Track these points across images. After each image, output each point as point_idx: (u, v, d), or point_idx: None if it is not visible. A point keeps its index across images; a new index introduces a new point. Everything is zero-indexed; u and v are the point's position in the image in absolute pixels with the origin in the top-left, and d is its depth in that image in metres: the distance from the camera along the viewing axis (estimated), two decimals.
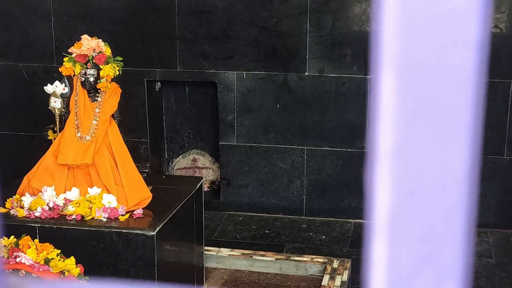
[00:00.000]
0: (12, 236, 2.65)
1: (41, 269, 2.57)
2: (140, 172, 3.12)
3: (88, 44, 2.94)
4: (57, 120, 3.07)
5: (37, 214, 2.91)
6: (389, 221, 0.46)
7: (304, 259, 3.82)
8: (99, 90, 3.02)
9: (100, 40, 3.00)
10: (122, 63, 3.03)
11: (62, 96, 3.05)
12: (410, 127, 0.45)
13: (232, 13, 4.49)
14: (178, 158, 5.07)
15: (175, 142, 5.05)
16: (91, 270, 2.79)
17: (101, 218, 2.91)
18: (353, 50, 4.42)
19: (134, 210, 2.97)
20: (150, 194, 3.06)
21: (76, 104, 3.01)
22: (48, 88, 3.06)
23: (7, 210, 2.98)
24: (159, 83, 4.83)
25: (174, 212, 3.05)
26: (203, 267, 3.59)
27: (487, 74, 0.47)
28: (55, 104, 3.04)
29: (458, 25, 0.43)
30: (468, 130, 0.45)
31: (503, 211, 4.34)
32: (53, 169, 3.00)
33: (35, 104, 4.68)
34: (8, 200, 3.00)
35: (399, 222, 0.46)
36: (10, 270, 2.51)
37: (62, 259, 2.64)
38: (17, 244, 2.63)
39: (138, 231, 2.85)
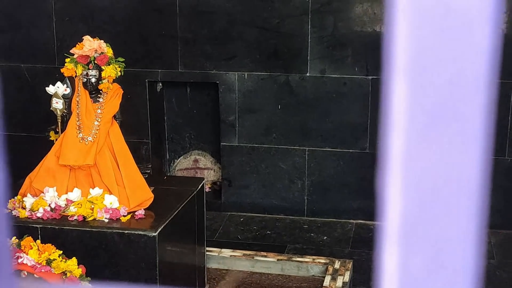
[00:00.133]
0: (14, 237, 2.65)
1: (43, 270, 2.58)
2: (142, 173, 3.12)
3: (90, 45, 2.94)
4: (59, 121, 3.07)
5: (39, 215, 2.91)
6: (401, 226, 0.46)
7: (306, 259, 3.82)
8: (100, 91, 3.02)
9: (102, 41, 3.00)
10: (123, 64, 3.03)
11: (64, 97, 3.06)
12: (422, 130, 0.45)
13: (233, 14, 4.49)
14: (179, 159, 5.07)
15: (177, 142, 5.05)
16: (92, 271, 2.79)
17: (103, 219, 2.91)
18: (355, 50, 4.42)
19: (135, 211, 2.97)
20: (152, 195, 3.06)
21: (78, 105, 3.01)
22: (50, 89, 3.06)
23: (9, 210, 2.98)
24: (160, 84, 4.83)
25: (175, 213, 3.05)
26: (205, 268, 3.59)
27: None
28: (57, 105, 3.04)
29: (470, 28, 0.43)
30: (480, 134, 0.45)
31: (505, 211, 4.34)
32: (55, 170, 3.00)
33: (36, 105, 4.68)
34: (10, 200, 3.01)
35: (411, 226, 0.46)
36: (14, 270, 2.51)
37: (64, 260, 2.65)
38: (19, 245, 2.63)
39: (140, 232, 2.85)
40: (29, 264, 2.56)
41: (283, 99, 4.56)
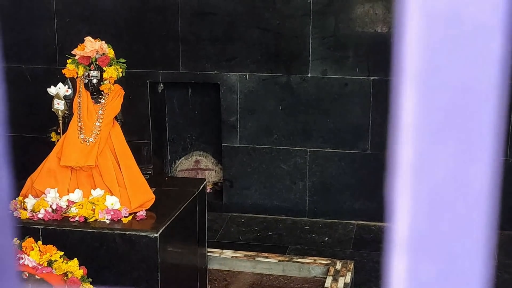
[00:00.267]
0: (15, 238, 2.65)
1: (44, 271, 2.58)
2: (143, 174, 3.12)
3: (91, 46, 2.94)
4: (60, 122, 3.07)
5: (40, 216, 2.91)
6: (410, 232, 0.46)
7: (307, 260, 3.81)
8: (102, 92, 3.02)
9: (103, 42, 3.00)
10: (125, 65, 3.03)
11: (65, 98, 3.06)
12: (431, 133, 0.45)
13: (234, 15, 4.49)
14: (180, 160, 5.07)
15: (178, 143, 5.05)
16: (94, 272, 2.79)
17: (104, 220, 2.91)
18: (356, 51, 4.42)
19: (137, 212, 2.97)
20: (153, 196, 3.06)
21: (79, 106, 3.01)
22: (52, 90, 3.06)
23: (11, 211, 2.98)
24: (162, 85, 4.83)
25: (177, 214, 3.05)
26: (206, 269, 3.59)
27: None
28: (58, 106, 3.04)
29: (480, 31, 0.43)
30: (491, 137, 0.45)
31: (506, 212, 4.34)
32: (56, 171, 3.00)
33: (38, 105, 4.68)
34: (11, 201, 3.01)
35: (420, 232, 0.46)
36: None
37: (65, 261, 2.65)
38: (20, 246, 2.63)
39: (141, 233, 2.85)
40: (30, 265, 2.56)
41: (284, 100, 4.56)
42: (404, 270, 0.47)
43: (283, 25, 4.46)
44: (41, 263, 2.60)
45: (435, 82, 0.44)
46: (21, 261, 2.56)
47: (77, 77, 3.00)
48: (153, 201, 3.05)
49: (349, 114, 4.50)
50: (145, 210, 2.99)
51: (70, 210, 2.93)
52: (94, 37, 3.02)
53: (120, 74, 3.00)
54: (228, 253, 3.90)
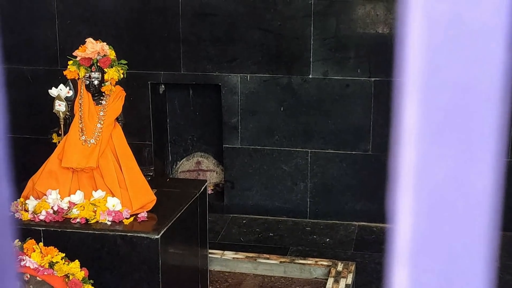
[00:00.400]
0: (17, 240, 2.65)
1: (45, 273, 2.57)
2: (145, 175, 3.11)
3: (93, 48, 2.94)
4: (62, 123, 3.07)
5: (41, 217, 2.91)
6: (411, 235, 0.46)
7: (309, 262, 3.81)
8: (103, 93, 3.02)
9: (105, 43, 3.00)
10: (126, 66, 3.03)
11: (67, 99, 3.06)
12: (433, 137, 0.45)
13: (235, 16, 4.49)
14: (182, 161, 5.07)
15: (179, 145, 5.05)
16: (95, 273, 2.79)
17: (106, 222, 2.90)
18: (357, 52, 4.41)
19: (138, 214, 2.97)
20: (155, 197, 3.06)
21: (80, 108, 3.01)
22: (53, 92, 3.06)
23: (12, 213, 2.98)
24: (163, 86, 4.83)
25: (178, 215, 3.05)
26: (207, 270, 3.59)
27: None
28: (60, 107, 3.04)
29: (483, 36, 0.43)
30: (493, 142, 0.45)
31: (508, 213, 4.33)
32: (57, 173, 3.00)
33: (39, 107, 4.68)
34: (12, 203, 3.00)
35: (422, 235, 0.46)
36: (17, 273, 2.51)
37: (66, 263, 2.65)
38: (21, 248, 2.63)
39: (143, 235, 2.85)
40: (31, 267, 2.56)
41: (285, 101, 4.56)
42: (406, 271, 0.47)
43: (284, 26, 4.46)
44: (42, 264, 2.60)
45: (437, 83, 0.44)
46: (22, 263, 2.55)
47: (78, 78, 2.99)
48: (154, 202, 3.04)
49: (350, 115, 4.50)
50: (147, 211, 2.99)
51: (71, 211, 2.93)
52: (95, 39, 3.02)
53: (122, 76, 3.00)
54: (229, 254, 3.90)
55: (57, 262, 2.62)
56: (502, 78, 0.44)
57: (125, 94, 3.09)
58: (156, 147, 4.79)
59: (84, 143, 2.97)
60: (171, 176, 4.98)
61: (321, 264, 3.78)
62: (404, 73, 0.44)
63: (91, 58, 2.95)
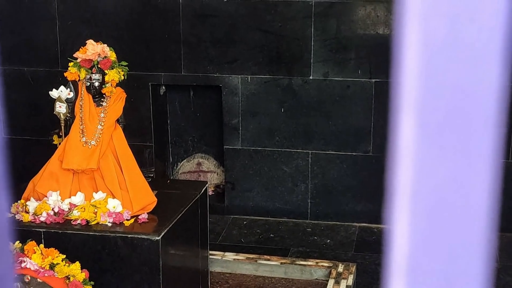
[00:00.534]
0: (18, 241, 2.65)
1: (46, 274, 2.58)
2: (145, 177, 3.12)
3: (93, 49, 2.94)
4: (62, 125, 3.07)
5: (42, 219, 2.91)
6: (410, 235, 0.46)
7: (309, 263, 3.81)
8: (104, 95, 3.02)
9: (105, 45, 3.00)
10: (127, 68, 3.04)
11: (67, 101, 3.06)
12: (432, 138, 0.45)
13: (236, 17, 4.50)
14: (182, 162, 5.07)
15: (180, 146, 5.05)
16: (96, 275, 2.79)
17: (106, 223, 2.91)
18: (358, 53, 4.41)
19: (139, 215, 2.97)
20: (155, 199, 3.06)
21: (81, 109, 3.01)
22: (53, 93, 3.06)
23: (12, 215, 2.98)
24: (163, 87, 4.84)
25: (179, 216, 3.05)
26: (208, 272, 3.59)
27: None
28: (60, 109, 3.04)
29: (482, 37, 0.43)
30: (491, 143, 0.45)
31: (508, 214, 4.33)
32: (58, 174, 3.00)
33: (40, 108, 4.69)
34: (13, 205, 3.01)
35: (421, 235, 0.46)
36: (16, 275, 2.51)
37: (67, 264, 2.65)
38: (22, 249, 2.63)
39: (143, 236, 2.85)
40: (32, 269, 2.56)
41: (286, 102, 4.56)
42: (405, 269, 0.47)
43: (285, 27, 4.46)
44: (43, 266, 2.60)
45: (435, 84, 0.44)
46: (23, 265, 2.56)
47: (79, 80, 3.00)
48: (155, 204, 3.04)
49: (351, 116, 4.50)
50: (147, 213, 2.99)
51: (72, 213, 2.93)
52: (96, 40, 3.02)
53: (122, 77, 3.00)
54: (230, 255, 3.90)
55: (57, 264, 2.62)
56: (501, 78, 0.44)
57: (126, 95, 3.09)
58: (156, 148, 4.79)
59: (84, 145, 2.98)
60: (171, 177, 4.98)
61: (322, 265, 3.78)
62: (402, 74, 0.45)
63: (91, 60, 2.95)
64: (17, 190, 3.09)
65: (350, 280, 3.59)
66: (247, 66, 4.55)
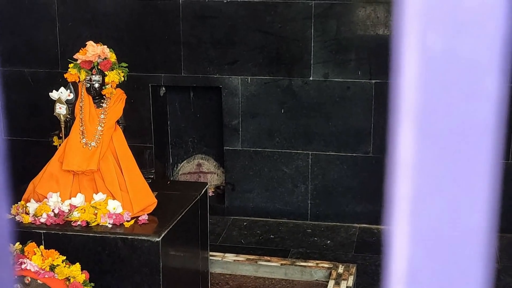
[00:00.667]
0: (18, 243, 2.65)
1: (46, 276, 2.58)
2: (145, 178, 3.12)
3: (93, 51, 2.94)
4: (62, 126, 3.07)
5: (42, 220, 2.91)
6: (411, 234, 0.46)
7: (309, 264, 3.81)
8: (104, 96, 3.02)
9: (105, 46, 3.00)
10: (127, 69, 3.04)
11: (67, 102, 3.06)
12: (432, 139, 0.45)
13: (236, 18, 4.50)
14: (182, 163, 5.07)
15: (180, 147, 5.05)
16: (96, 276, 2.79)
17: (106, 224, 2.91)
18: (358, 54, 4.42)
19: (139, 216, 2.97)
20: (155, 200, 3.06)
21: (81, 110, 3.01)
22: (54, 94, 3.06)
23: (13, 216, 2.98)
24: (163, 88, 4.84)
25: (179, 218, 3.05)
26: (208, 273, 3.59)
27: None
28: (60, 110, 3.04)
29: (482, 35, 0.43)
30: (491, 143, 0.45)
31: (509, 215, 4.33)
32: (58, 175, 3.00)
33: (40, 109, 4.69)
34: (13, 206, 3.01)
35: (421, 236, 0.46)
36: (16, 276, 2.51)
37: (67, 266, 2.65)
38: (22, 251, 2.63)
39: (143, 237, 2.85)
40: (32, 270, 2.56)
41: (286, 103, 4.56)
42: (405, 270, 0.47)
43: (285, 28, 4.46)
44: (43, 267, 2.60)
45: (435, 85, 0.44)
46: (23, 266, 2.56)
47: (79, 81, 3.00)
48: (155, 205, 3.05)
49: (351, 117, 4.50)
50: (147, 214, 2.99)
51: (72, 214, 2.93)
52: (96, 41, 3.02)
53: (122, 79, 3.00)
54: (230, 256, 3.90)
55: (58, 265, 2.62)
56: (501, 77, 0.44)
57: (126, 96, 3.09)
58: (156, 150, 4.79)
59: (85, 146, 2.98)
60: (171, 178, 4.98)
61: (322, 266, 3.78)
62: (401, 75, 0.45)
63: (91, 61, 2.95)
64: (17, 191, 3.09)
65: (350, 281, 3.59)
66: (247, 67, 4.55)
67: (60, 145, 3.08)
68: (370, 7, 4.35)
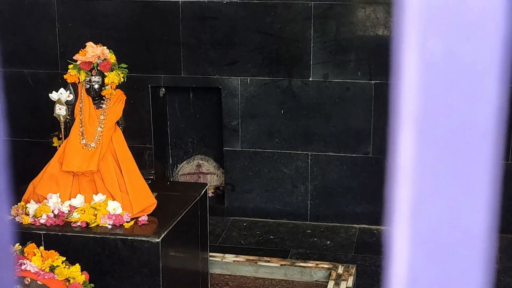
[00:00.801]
0: (17, 244, 2.65)
1: (46, 277, 2.58)
2: (145, 179, 3.12)
3: (93, 52, 2.94)
4: (62, 127, 3.07)
5: (42, 221, 2.91)
6: (411, 236, 0.46)
7: (309, 265, 3.81)
8: (103, 97, 3.02)
9: (105, 47, 3.00)
10: (126, 70, 3.04)
11: (67, 103, 3.06)
12: (432, 139, 0.45)
13: (236, 19, 4.50)
14: (182, 164, 5.07)
15: (180, 147, 5.05)
16: (96, 277, 2.79)
17: (106, 225, 2.91)
18: (357, 55, 4.42)
19: (139, 217, 2.97)
20: (155, 201, 3.06)
21: (81, 111, 3.01)
22: (53, 95, 3.06)
23: (12, 217, 2.98)
24: (163, 89, 4.84)
25: (179, 218, 3.05)
26: (208, 274, 3.59)
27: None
28: (60, 111, 3.04)
29: (482, 33, 0.43)
30: (491, 143, 0.45)
31: (509, 216, 4.33)
32: (58, 176, 3.00)
33: (40, 110, 4.69)
34: (13, 207, 3.01)
35: (420, 236, 0.46)
36: (16, 277, 2.51)
37: (67, 266, 2.65)
38: (22, 252, 2.63)
39: (143, 238, 2.85)
40: (32, 271, 2.56)
41: (286, 104, 4.57)
42: (405, 270, 0.47)
43: (284, 29, 4.46)
44: (43, 268, 2.60)
45: (435, 86, 0.44)
46: (23, 267, 2.56)
47: (78, 82, 3.00)
48: (155, 206, 3.05)
49: (350, 118, 4.50)
50: (147, 215, 2.99)
51: (72, 215, 2.93)
52: (96, 42, 3.02)
53: (122, 79, 3.00)
54: (230, 257, 3.90)
55: (57, 266, 2.62)
56: (502, 75, 0.44)
57: (126, 97, 3.10)
58: (156, 150, 4.79)
59: (84, 147, 2.98)
60: (171, 179, 4.98)
61: (322, 267, 3.78)
62: (401, 75, 0.45)
63: (91, 62, 2.96)
64: (17, 192, 3.09)
65: (350, 282, 3.59)
66: (247, 68, 4.56)
67: (59, 146, 3.08)
68: (370, 8, 4.36)
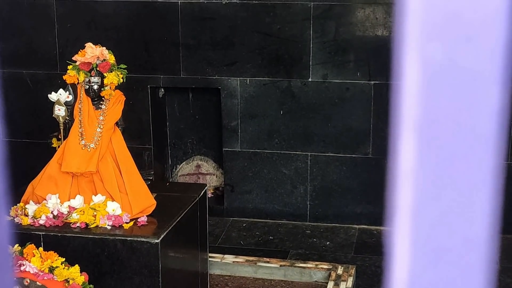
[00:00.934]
0: (17, 245, 2.65)
1: (45, 278, 2.57)
2: (144, 180, 3.12)
3: (92, 52, 2.94)
4: (61, 128, 3.07)
5: (41, 222, 2.91)
6: (411, 236, 0.46)
7: (309, 265, 3.81)
8: (103, 98, 3.02)
9: (104, 48, 3.00)
10: (126, 71, 3.03)
11: (66, 104, 3.06)
12: (432, 139, 0.45)
13: (235, 20, 4.50)
14: (181, 164, 5.07)
15: (179, 148, 5.05)
16: (95, 278, 2.79)
17: (106, 226, 2.90)
18: (357, 55, 4.42)
19: (138, 218, 2.97)
20: (154, 202, 3.06)
21: (80, 112, 3.01)
22: (52, 96, 3.06)
23: (12, 218, 2.98)
24: (162, 90, 4.84)
25: (178, 219, 3.05)
26: (208, 274, 3.59)
27: None
28: (59, 112, 3.04)
29: (482, 31, 0.43)
30: (492, 143, 0.45)
31: (509, 216, 4.33)
32: (57, 177, 3.00)
33: (39, 111, 4.68)
34: (12, 208, 3.00)
35: (420, 236, 0.46)
36: (15, 278, 2.51)
37: (66, 267, 2.64)
38: (21, 253, 2.63)
39: (143, 239, 2.84)
40: (31, 272, 2.56)
41: (285, 105, 4.56)
42: (406, 270, 0.47)
43: (284, 29, 4.46)
44: (42, 269, 2.59)
45: (435, 86, 0.44)
46: (22, 268, 2.55)
47: (77, 83, 3.00)
48: (154, 206, 3.04)
49: (350, 118, 4.50)
50: (146, 215, 2.99)
51: (71, 216, 2.93)
52: (95, 43, 3.02)
53: (121, 80, 3.00)
54: (229, 258, 3.90)
55: (57, 267, 2.62)
56: (504, 70, 0.44)
57: (125, 98, 3.09)
58: (155, 151, 4.79)
59: (83, 148, 2.97)
60: (171, 180, 4.98)
61: (321, 268, 3.78)
62: (402, 75, 0.44)
63: (90, 63, 2.95)
64: (16, 193, 3.09)
65: (350, 282, 3.58)
66: (246, 68, 4.56)
67: (59, 146, 3.08)
68: (369, 8, 4.36)
